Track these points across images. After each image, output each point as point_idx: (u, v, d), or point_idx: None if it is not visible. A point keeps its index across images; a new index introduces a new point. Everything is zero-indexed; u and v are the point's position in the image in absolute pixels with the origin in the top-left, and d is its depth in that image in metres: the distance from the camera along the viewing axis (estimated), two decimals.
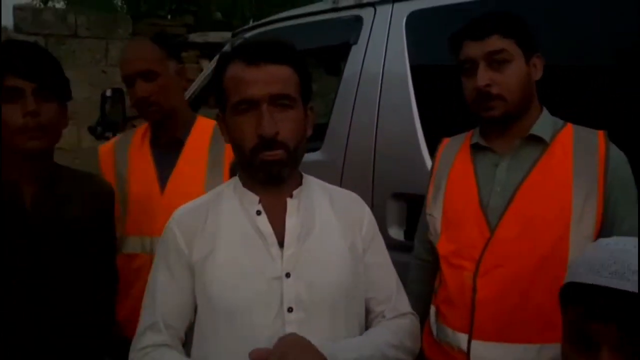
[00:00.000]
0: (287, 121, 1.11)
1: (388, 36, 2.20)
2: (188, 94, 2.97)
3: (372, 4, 2.30)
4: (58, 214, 1.34)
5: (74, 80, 5.35)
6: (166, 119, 1.72)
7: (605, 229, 1.31)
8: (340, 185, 2.22)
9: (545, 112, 1.43)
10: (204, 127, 1.82)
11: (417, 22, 2.13)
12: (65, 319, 1.33)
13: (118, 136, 1.86)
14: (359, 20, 2.33)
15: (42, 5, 7.08)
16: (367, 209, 1.30)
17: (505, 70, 1.35)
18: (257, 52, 1.11)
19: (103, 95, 3.12)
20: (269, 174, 1.13)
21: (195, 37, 6.23)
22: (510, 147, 1.41)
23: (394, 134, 2.11)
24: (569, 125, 1.41)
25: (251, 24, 2.97)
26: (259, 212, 1.16)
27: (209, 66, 3.04)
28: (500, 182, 1.39)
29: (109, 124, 3.12)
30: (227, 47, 2.93)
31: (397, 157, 2.09)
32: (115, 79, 5.51)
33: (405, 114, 2.08)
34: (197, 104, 3.09)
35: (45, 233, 1.32)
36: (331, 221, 1.21)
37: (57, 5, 8.05)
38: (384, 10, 2.25)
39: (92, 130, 3.26)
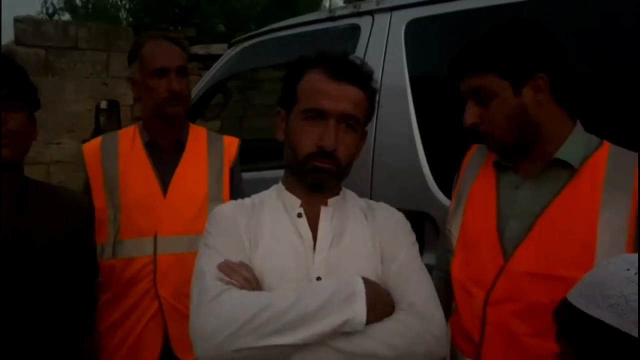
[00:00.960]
0: (347, 141, 1.18)
1: (386, 45, 2.13)
2: None
3: (370, 13, 2.24)
4: (31, 231, 1.29)
5: (74, 92, 5.36)
6: (180, 118, 1.75)
7: None
8: None
9: (577, 130, 1.28)
10: (198, 132, 1.85)
11: (417, 31, 2.06)
12: (39, 341, 1.27)
13: (102, 137, 1.82)
14: (356, 29, 2.27)
15: (46, 17, 7.09)
16: (398, 214, 1.30)
17: (489, 107, 1.26)
18: (342, 69, 1.16)
19: (97, 108, 3.06)
20: (315, 180, 1.18)
21: (198, 49, 6.20)
22: (533, 169, 1.29)
23: (393, 147, 2.03)
24: (606, 146, 1.25)
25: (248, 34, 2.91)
26: (299, 215, 1.20)
27: (205, 76, 2.97)
28: (520, 207, 1.27)
29: None
30: (224, 57, 2.88)
31: (396, 172, 2.02)
32: (116, 92, 5.49)
33: (404, 126, 2.01)
34: (193, 116, 3.02)
35: (17, 251, 1.26)
36: (363, 231, 1.23)
37: (63, 18, 8.07)
38: (382, 18, 2.19)
39: (86, 143, 3.21)
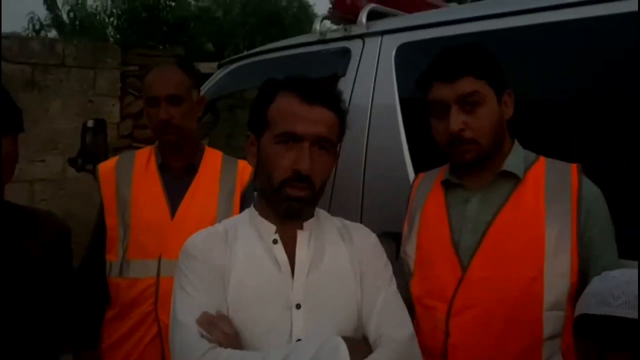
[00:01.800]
0: (322, 163, 1.16)
1: (377, 69, 2.15)
2: None
3: (361, 36, 2.25)
4: (8, 256, 1.26)
5: (60, 109, 5.29)
6: (181, 144, 1.75)
7: (582, 266, 1.26)
8: None
9: (516, 146, 1.40)
10: (213, 156, 1.86)
11: (407, 55, 2.08)
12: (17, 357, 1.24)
13: (118, 156, 1.86)
14: (346, 52, 2.28)
15: (33, 34, 7.05)
16: (373, 238, 1.29)
17: (477, 113, 1.31)
18: (313, 92, 1.16)
19: (84, 126, 3.03)
20: (290, 209, 1.16)
21: None
22: (481, 183, 1.38)
23: (383, 170, 2.04)
24: (542, 159, 1.38)
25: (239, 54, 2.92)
26: (275, 241, 1.19)
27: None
28: (471, 219, 1.35)
29: (89, 156, 3.04)
30: (213, 77, 2.88)
31: (386, 194, 2.01)
32: (102, 109, 5.45)
33: (394, 148, 2.01)
34: None
35: None
36: (341, 252, 1.22)
37: (50, 35, 8.02)
38: (372, 42, 2.21)
39: (72, 162, 3.17)
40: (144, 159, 1.80)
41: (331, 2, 2.75)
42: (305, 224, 1.21)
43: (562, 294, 1.25)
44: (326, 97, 1.17)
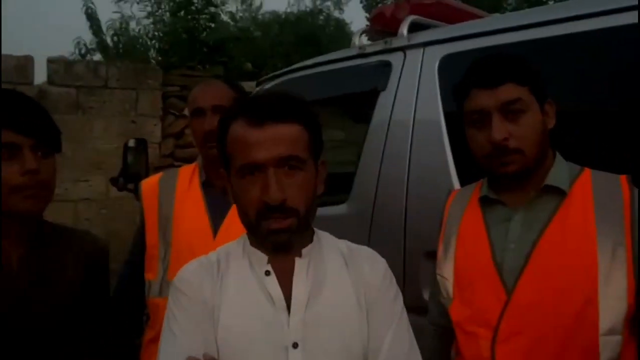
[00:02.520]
0: (296, 185, 1.02)
1: (419, 82, 2.08)
2: None
3: (402, 49, 2.20)
4: (47, 275, 1.24)
5: (103, 130, 5.43)
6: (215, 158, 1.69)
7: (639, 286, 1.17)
8: (368, 242, 2.11)
9: (559, 158, 1.31)
10: None
11: (451, 66, 2.00)
12: None
13: (162, 173, 1.84)
14: (387, 65, 2.23)
15: (79, 57, 7.28)
16: (381, 265, 1.16)
17: (521, 122, 1.24)
18: (260, 111, 1.02)
19: (126, 146, 3.07)
20: (277, 243, 1.05)
21: None
22: (523, 199, 1.29)
23: (427, 186, 1.96)
24: (587, 171, 1.29)
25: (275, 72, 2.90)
26: (267, 273, 1.07)
27: None
28: (515, 239, 1.26)
29: (131, 176, 3.07)
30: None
31: (431, 211, 1.90)
32: (144, 129, 5.55)
33: (439, 163, 1.94)
34: None
35: (34, 296, 1.22)
36: (344, 281, 1.10)
37: (95, 58, 8.27)
38: (414, 54, 2.15)
39: (114, 181, 3.21)
40: (187, 175, 1.77)
41: (369, 17, 2.71)
42: (303, 251, 1.08)
43: (618, 317, 1.16)
44: (279, 111, 1.02)
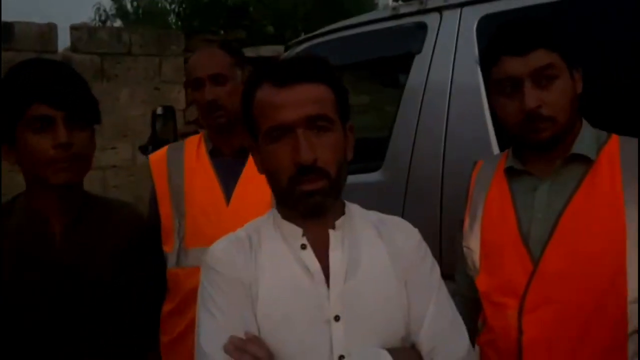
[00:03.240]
0: (326, 145, 1.00)
1: (457, 44, 2.01)
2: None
3: (438, 9, 2.12)
4: (90, 248, 1.24)
5: (128, 98, 5.46)
6: (231, 126, 1.69)
7: None
8: (403, 212, 2.09)
9: (585, 125, 1.29)
10: None
11: (490, 28, 1.91)
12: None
13: (167, 146, 1.83)
14: (422, 27, 2.15)
15: (100, 24, 7.26)
16: (416, 235, 1.14)
17: (553, 88, 1.21)
18: (286, 72, 1.01)
19: (154, 114, 3.07)
20: (310, 206, 1.02)
21: (248, 52, 6.18)
22: (550, 169, 1.27)
23: (466, 152, 1.89)
24: (615, 137, 1.27)
25: (303, 35, 2.82)
26: (303, 246, 1.04)
27: None
28: (541, 208, 1.25)
29: (160, 143, 3.06)
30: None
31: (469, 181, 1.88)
32: (168, 96, 5.53)
33: (478, 128, 1.89)
34: None
35: (77, 268, 1.22)
36: (379, 252, 1.08)
37: (115, 24, 8.25)
38: (451, 15, 2.07)
39: (143, 149, 3.22)
40: (194, 146, 1.76)
41: None
42: (337, 223, 1.06)
43: None
44: (304, 72, 1.00)
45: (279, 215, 1.09)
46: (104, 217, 1.31)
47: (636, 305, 1.15)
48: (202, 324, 1.04)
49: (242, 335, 0.99)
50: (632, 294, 1.14)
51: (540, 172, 1.28)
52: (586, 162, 1.24)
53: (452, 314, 1.09)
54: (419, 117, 2.07)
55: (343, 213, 1.09)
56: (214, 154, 1.73)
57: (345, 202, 1.12)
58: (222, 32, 6.85)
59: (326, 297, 1.01)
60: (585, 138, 1.26)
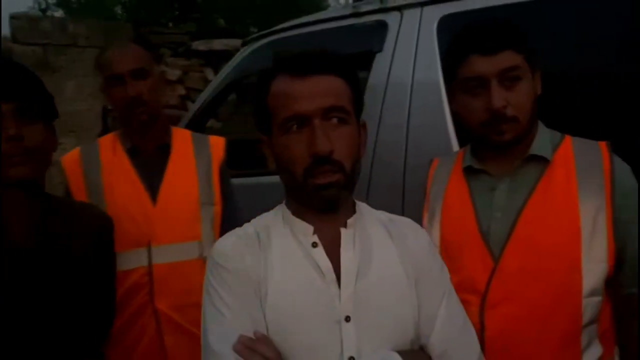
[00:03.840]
0: (342, 138, 0.99)
1: (417, 43, 2.03)
2: (197, 105, 2.81)
3: (398, 8, 2.13)
4: (51, 250, 1.20)
5: (74, 91, 5.25)
6: (152, 122, 1.66)
7: (619, 247, 1.22)
8: None
9: (541, 126, 1.33)
10: (183, 135, 1.78)
11: (451, 28, 1.95)
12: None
13: (79, 147, 1.76)
14: (383, 25, 2.16)
15: (41, 14, 6.94)
16: (425, 236, 1.15)
17: (517, 89, 1.24)
18: (304, 63, 0.99)
19: (104, 109, 2.97)
20: (324, 200, 1.00)
21: (199, 45, 6.07)
22: (507, 168, 1.30)
23: (427, 149, 1.91)
24: (568, 138, 1.32)
25: (259, 31, 2.79)
26: (314, 244, 1.02)
27: (218, 76, 2.86)
28: (500, 207, 1.28)
29: None
30: (237, 56, 2.77)
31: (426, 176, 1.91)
32: None
33: (438, 129, 1.91)
34: (205, 117, 2.91)
35: (37, 270, 1.18)
36: (390, 252, 1.07)
37: (56, 14, 7.92)
38: (411, 14, 2.08)
39: None
40: (109, 145, 1.70)
41: None
42: (349, 222, 1.05)
43: (600, 279, 1.21)
44: (323, 64, 1.00)
45: (288, 212, 1.07)
46: (68, 219, 1.27)
47: (591, 299, 1.20)
48: (210, 322, 1.01)
49: (251, 334, 0.96)
50: (587, 288, 1.19)
51: (498, 172, 1.31)
52: (543, 162, 1.27)
53: (462, 317, 1.08)
54: (381, 113, 2.08)
55: (354, 211, 1.08)
56: (132, 152, 1.67)
57: (355, 200, 1.11)
58: (170, 24, 6.69)
59: (337, 297, 0.99)
60: (542, 139, 1.29)
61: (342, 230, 1.03)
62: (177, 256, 1.61)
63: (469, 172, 1.36)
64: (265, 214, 1.12)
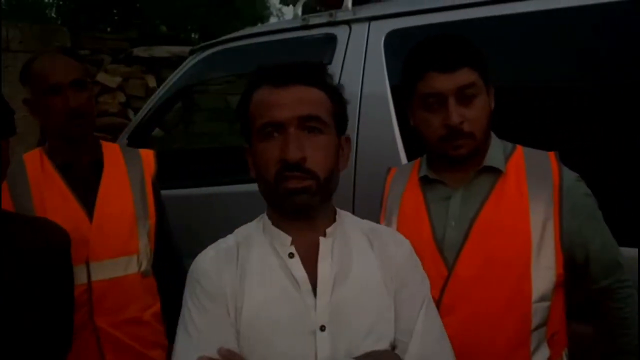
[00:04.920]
0: (316, 147, 1.01)
1: (365, 56, 2.08)
2: (143, 113, 2.76)
3: (347, 22, 2.18)
4: (6, 267, 1.16)
5: (7, 98, 4.94)
6: (86, 136, 1.63)
7: (572, 254, 1.27)
8: None
9: (494, 138, 1.37)
10: (112, 149, 1.74)
11: (397, 42, 2.02)
12: None
13: None
14: (332, 39, 2.21)
15: None
16: (407, 246, 1.15)
17: (474, 106, 1.27)
18: (285, 73, 1.02)
19: None
20: (296, 205, 1.01)
21: (140, 52, 5.93)
22: (462, 179, 1.34)
23: (375, 161, 1.96)
24: (519, 149, 1.36)
25: (200, 38, 2.77)
26: (291, 255, 1.04)
27: (165, 83, 2.82)
28: (455, 216, 1.31)
29: None
30: (185, 64, 2.74)
31: (379, 185, 1.95)
32: None
33: (386, 140, 1.97)
34: (151, 125, 2.87)
35: None
36: (370, 262, 1.08)
37: None
38: (359, 28, 2.14)
39: None
40: (36, 163, 1.62)
41: None
42: (328, 231, 1.06)
43: (548, 285, 1.25)
44: (301, 75, 1.02)
45: (269, 222, 1.08)
46: (18, 235, 1.22)
47: (540, 304, 1.24)
48: (178, 343, 1.02)
49: (215, 355, 0.97)
50: (536, 294, 1.24)
51: (453, 182, 1.34)
52: (496, 172, 1.31)
53: (439, 330, 1.10)
54: None
55: (334, 220, 1.09)
56: (64, 169, 1.61)
57: (337, 209, 1.13)
58: (108, 29, 6.52)
59: (313, 307, 1.00)
60: (495, 151, 1.33)
61: (321, 239, 1.05)
62: (116, 271, 1.58)
63: (424, 181, 1.39)
64: (249, 224, 1.14)
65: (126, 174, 1.68)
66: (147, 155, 1.76)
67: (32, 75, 1.59)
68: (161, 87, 2.81)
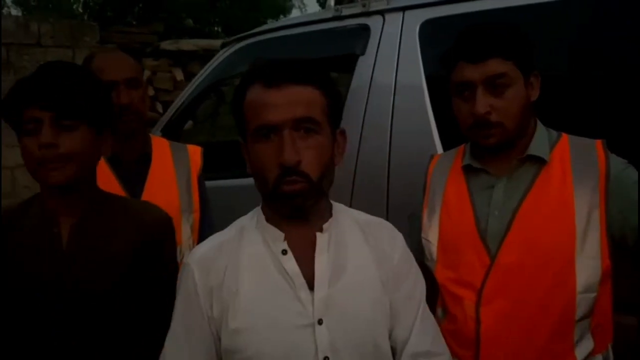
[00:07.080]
0: (311, 148, 1.00)
1: (400, 47, 2.07)
2: (175, 106, 2.79)
3: (381, 12, 2.17)
4: (98, 248, 1.22)
5: None
6: (138, 131, 1.70)
7: (624, 241, 1.25)
8: (350, 206, 2.10)
9: (540, 126, 1.36)
10: (161, 143, 1.81)
11: (432, 32, 2.01)
12: None
13: None
14: (366, 29, 2.19)
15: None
16: (400, 239, 1.17)
17: (505, 96, 1.26)
18: (277, 73, 1.01)
19: None
20: (291, 207, 1.03)
21: (167, 45, 5.99)
22: (506, 168, 1.33)
23: (410, 151, 1.97)
24: (565, 137, 1.35)
25: (223, 32, 2.78)
26: (284, 252, 1.05)
27: (197, 77, 2.84)
28: (498, 205, 1.31)
29: None
30: (217, 57, 2.76)
31: (414, 176, 1.94)
32: None
33: (421, 128, 1.96)
34: (183, 118, 2.90)
35: (84, 268, 1.20)
36: (365, 256, 1.09)
37: (13, 12, 7.67)
38: (393, 18, 2.12)
39: None
40: None
41: None
42: (324, 226, 1.07)
43: (594, 276, 1.24)
44: (294, 74, 1.01)
45: (262, 217, 1.09)
46: (119, 216, 1.28)
47: (585, 295, 1.23)
48: (169, 342, 1.08)
49: (202, 352, 1.04)
50: (581, 284, 1.22)
51: (496, 171, 1.34)
52: (540, 161, 1.30)
53: (434, 329, 1.13)
54: (364, 115, 2.11)
55: (331, 215, 1.10)
56: (113, 162, 1.66)
57: (333, 203, 1.13)
58: (134, 22, 6.58)
59: (309, 301, 1.02)
60: (540, 140, 1.32)
61: (318, 234, 1.06)
62: None
63: (467, 170, 1.39)
64: (243, 217, 1.15)
65: (173, 168, 1.74)
66: (194, 151, 1.81)
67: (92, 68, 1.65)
68: (193, 80, 2.84)
